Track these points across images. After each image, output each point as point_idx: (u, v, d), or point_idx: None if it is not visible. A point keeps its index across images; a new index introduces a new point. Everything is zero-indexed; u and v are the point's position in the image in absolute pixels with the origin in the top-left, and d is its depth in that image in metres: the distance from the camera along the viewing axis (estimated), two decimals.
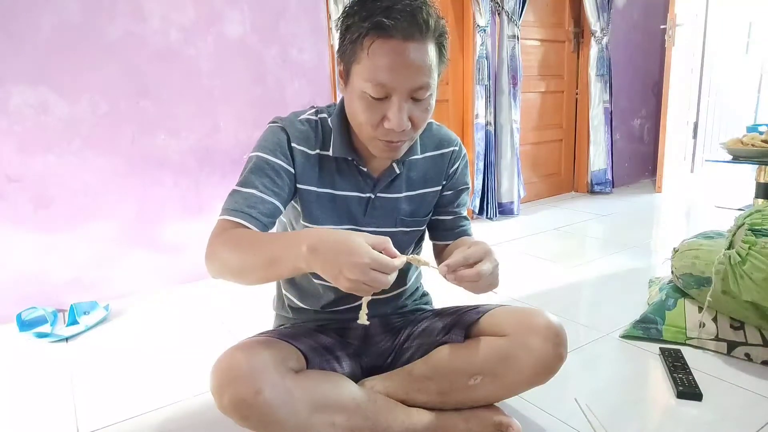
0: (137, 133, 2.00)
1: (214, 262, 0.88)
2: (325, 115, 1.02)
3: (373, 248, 0.77)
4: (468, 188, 1.16)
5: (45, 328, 1.70)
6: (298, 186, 0.99)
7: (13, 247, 1.82)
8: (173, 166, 2.09)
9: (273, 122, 1.00)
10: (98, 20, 1.86)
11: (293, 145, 0.98)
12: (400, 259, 0.79)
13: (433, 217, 1.13)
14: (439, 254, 1.15)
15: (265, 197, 0.93)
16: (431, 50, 0.86)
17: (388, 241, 0.79)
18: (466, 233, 1.14)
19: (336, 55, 0.93)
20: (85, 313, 1.79)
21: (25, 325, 1.75)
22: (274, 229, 0.99)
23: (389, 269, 0.76)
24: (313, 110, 1.03)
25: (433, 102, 0.91)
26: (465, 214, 1.16)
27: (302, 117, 1.01)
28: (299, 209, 1.02)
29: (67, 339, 1.67)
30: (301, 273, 0.83)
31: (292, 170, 0.98)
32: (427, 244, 1.20)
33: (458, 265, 0.85)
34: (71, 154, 1.88)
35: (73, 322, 1.74)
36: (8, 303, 1.81)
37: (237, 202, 0.92)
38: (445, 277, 0.87)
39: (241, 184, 0.95)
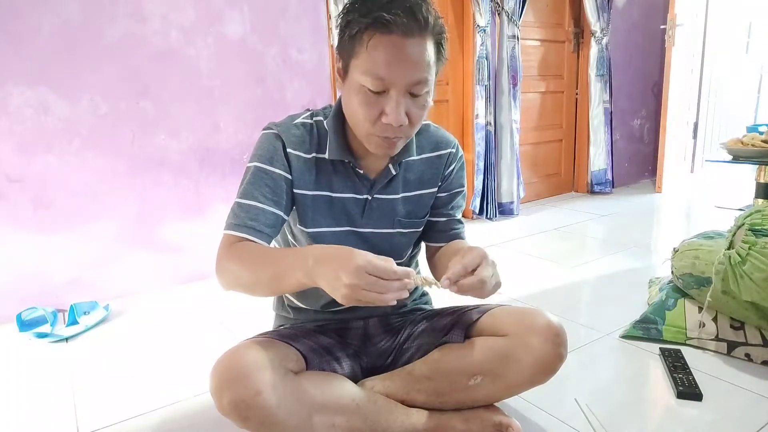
0: (137, 134, 2.00)
1: (226, 277, 0.92)
2: (320, 117, 1.02)
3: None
4: (463, 191, 1.15)
5: (45, 328, 1.70)
6: (295, 191, 0.99)
7: (14, 248, 1.82)
8: (173, 167, 2.09)
9: (267, 128, 1.01)
10: (98, 21, 1.86)
11: (289, 150, 0.98)
12: (404, 270, 0.78)
13: (426, 219, 1.13)
14: (432, 256, 1.15)
15: (266, 208, 0.95)
16: (430, 46, 0.86)
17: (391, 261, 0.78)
18: (458, 236, 1.14)
19: (335, 52, 0.94)
20: (85, 313, 1.79)
21: (25, 325, 1.75)
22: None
23: (386, 273, 0.75)
24: (308, 113, 1.04)
25: (430, 99, 0.92)
26: (459, 217, 1.16)
27: (297, 121, 1.01)
28: (297, 212, 1.02)
29: (67, 339, 1.67)
30: (306, 287, 0.84)
31: (290, 177, 0.98)
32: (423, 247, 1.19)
33: (458, 275, 0.84)
34: (71, 154, 1.88)
35: (73, 322, 1.74)
36: (8, 303, 1.81)
37: (239, 217, 0.94)
38: (449, 289, 0.86)
39: (241, 195, 0.96)
